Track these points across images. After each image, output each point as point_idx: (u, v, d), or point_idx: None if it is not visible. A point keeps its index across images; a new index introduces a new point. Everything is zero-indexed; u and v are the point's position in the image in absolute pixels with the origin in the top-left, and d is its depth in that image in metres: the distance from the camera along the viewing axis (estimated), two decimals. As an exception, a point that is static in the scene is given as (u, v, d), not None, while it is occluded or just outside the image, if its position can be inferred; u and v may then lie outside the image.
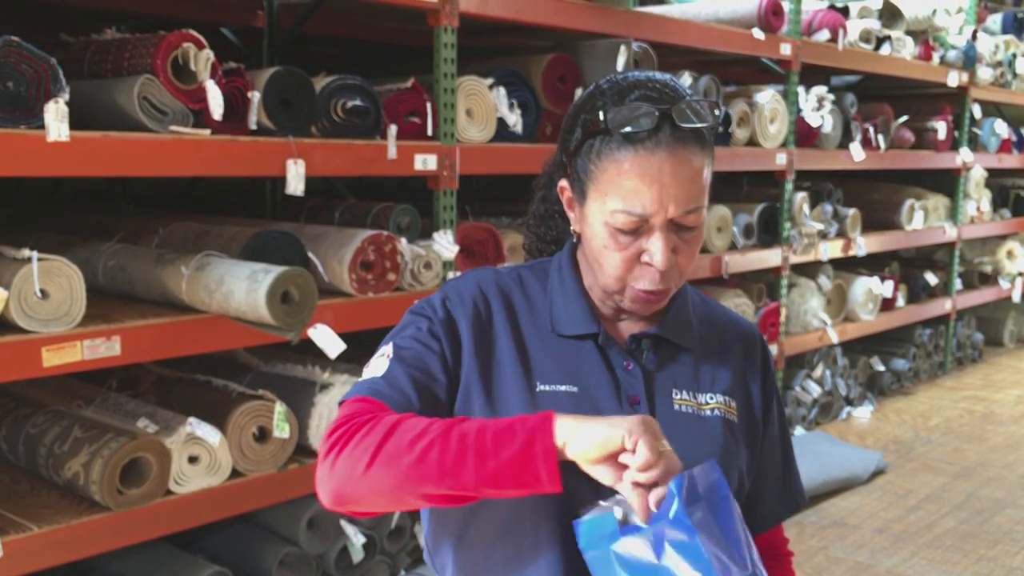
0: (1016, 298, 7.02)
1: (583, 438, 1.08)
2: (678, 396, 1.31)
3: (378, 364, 1.27)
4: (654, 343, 1.33)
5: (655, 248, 1.22)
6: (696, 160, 1.21)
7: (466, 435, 1.11)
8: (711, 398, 1.32)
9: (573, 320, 1.31)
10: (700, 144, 1.22)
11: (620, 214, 1.21)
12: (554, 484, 1.09)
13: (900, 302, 5.80)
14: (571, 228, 1.34)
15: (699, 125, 1.20)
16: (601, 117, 1.21)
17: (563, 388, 1.27)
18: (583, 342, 1.31)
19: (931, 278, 6.14)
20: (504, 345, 1.30)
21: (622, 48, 3.53)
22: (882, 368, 5.72)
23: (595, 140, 1.23)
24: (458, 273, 3.13)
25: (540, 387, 1.27)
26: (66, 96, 2.24)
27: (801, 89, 4.72)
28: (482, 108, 3.26)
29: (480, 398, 1.26)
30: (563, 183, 1.32)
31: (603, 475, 1.09)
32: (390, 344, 1.29)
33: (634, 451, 1.07)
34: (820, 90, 4.83)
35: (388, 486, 1.13)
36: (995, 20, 6.80)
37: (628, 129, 1.18)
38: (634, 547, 1.09)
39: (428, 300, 1.33)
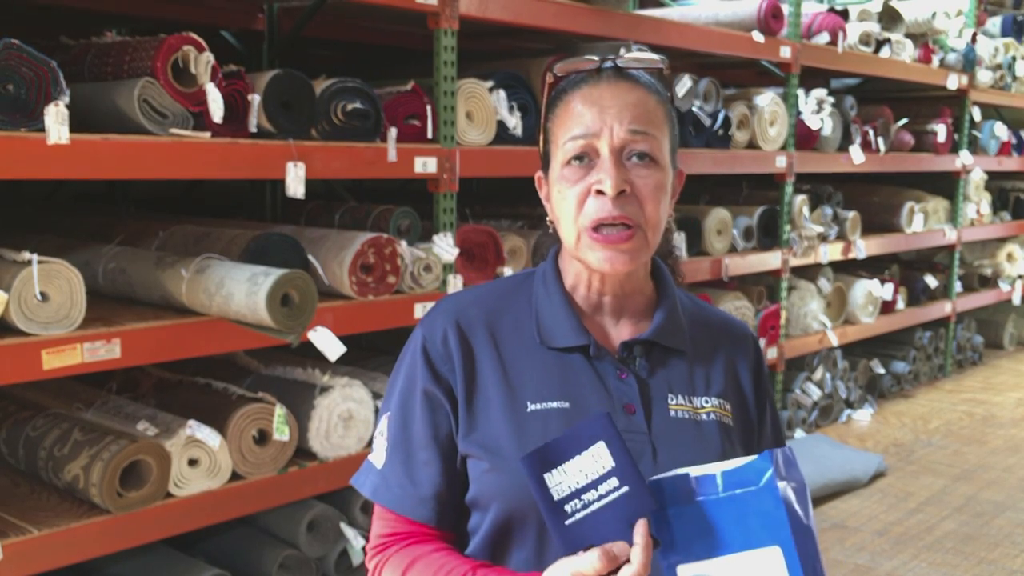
0: (1016, 301, 7.02)
1: None
2: (673, 402, 1.30)
3: (379, 448, 1.33)
4: (646, 349, 1.31)
5: (603, 172, 1.23)
6: (641, 92, 1.27)
7: None
8: (706, 401, 1.31)
9: (561, 332, 1.30)
10: (647, 87, 1.28)
11: (568, 143, 1.25)
12: None
13: (900, 305, 5.80)
14: (547, 219, 1.35)
15: (639, 66, 1.28)
16: (554, 71, 1.31)
17: (555, 405, 1.26)
18: (573, 354, 1.29)
19: (931, 281, 6.14)
20: (487, 371, 1.29)
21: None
22: (882, 371, 5.72)
23: (551, 102, 1.31)
24: (458, 276, 3.16)
25: (531, 407, 1.26)
26: (66, 99, 2.24)
27: (801, 92, 4.73)
28: (482, 111, 3.27)
29: (482, 426, 1.27)
30: (538, 174, 1.37)
31: None
32: (385, 419, 1.33)
33: None
34: (820, 93, 4.83)
35: None
36: (995, 23, 6.80)
37: (572, 68, 1.28)
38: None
39: (411, 351, 1.33)
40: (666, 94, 1.31)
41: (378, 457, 1.32)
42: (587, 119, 1.24)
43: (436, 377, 1.29)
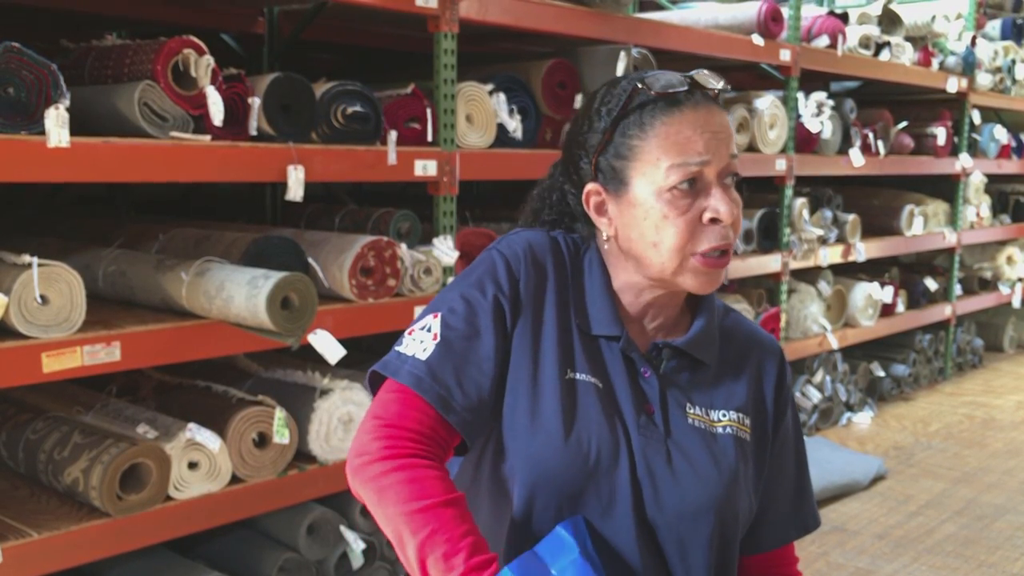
0: (1016, 304, 7.02)
1: None
2: (692, 411, 1.30)
3: (424, 340, 1.25)
4: (674, 354, 1.32)
5: (717, 200, 1.25)
6: (723, 113, 1.29)
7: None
8: (724, 415, 1.31)
9: (597, 319, 1.31)
10: (721, 107, 1.30)
11: (677, 169, 1.24)
12: None
13: (900, 308, 5.80)
14: (607, 235, 1.32)
15: (719, 87, 1.28)
16: (640, 86, 1.26)
17: (593, 380, 1.27)
18: (609, 342, 1.30)
19: (931, 284, 6.14)
20: (549, 322, 1.29)
21: (622, 54, 3.54)
22: (882, 374, 5.72)
23: (629, 118, 1.26)
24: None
25: (570, 375, 1.27)
26: (67, 102, 2.24)
27: (800, 95, 4.73)
28: (482, 114, 3.27)
29: (526, 379, 1.26)
30: (591, 187, 1.31)
31: None
32: (439, 318, 1.26)
33: None
34: (819, 96, 4.83)
35: (387, 534, 1.18)
36: (994, 26, 6.81)
37: (672, 88, 1.25)
38: None
39: (489, 267, 1.30)
40: None
41: (421, 349, 1.23)
42: (699, 146, 1.24)
43: (514, 295, 1.28)
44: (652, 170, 1.24)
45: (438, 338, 1.24)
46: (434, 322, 1.26)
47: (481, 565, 1.12)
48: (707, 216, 1.25)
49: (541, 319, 1.29)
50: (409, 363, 1.23)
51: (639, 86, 1.26)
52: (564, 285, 1.32)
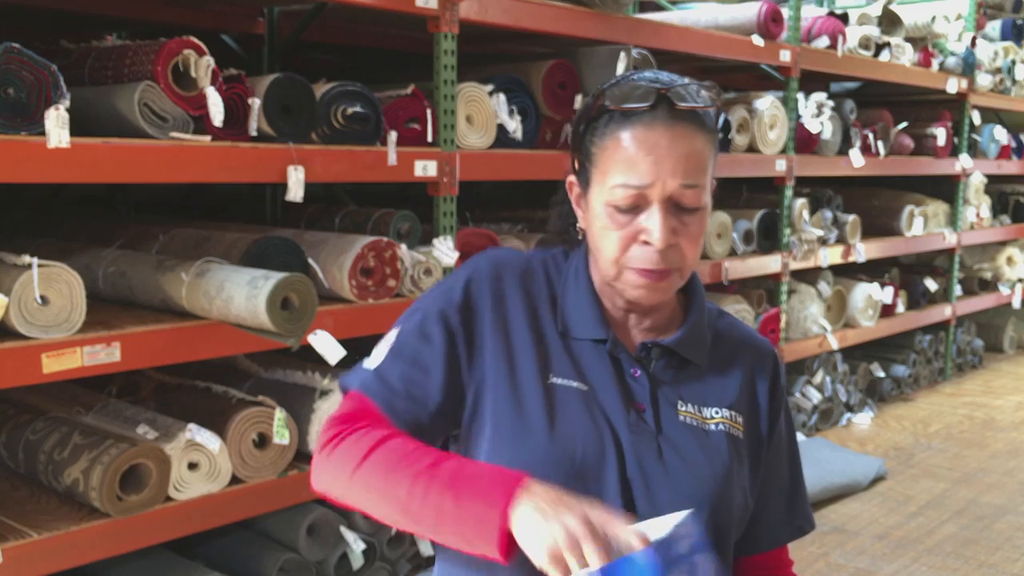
0: (1016, 304, 7.02)
1: (529, 540, 1.05)
2: (683, 408, 1.30)
3: (380, 351, 1.31)
4: (663, 353, 1.32)
5: (652, 224, 1.21)
6: (695, 139, 1.22)
7: (429, 488, 1.13)
8: (716, 412, 1.31)
9: (583, 323, 1.31)
10: (699, 127, 1.23)
11: (619, 188, 1.22)
12: (505, 560, 1.08)
13: (900, 308, 5.79)
14: (578, 226, 1.35)
15: (696, 106, 1.22)
16: (602, 99, 1.25)
17: (575, 384, 1.28)
18: (596, 344, 1.31)
19: (931, 284, 6.14)
20: (520, 331, 1.30)
21: (622, 55, 3.54)
22: (882, 374, 5.72)
23: (597, 123, 1.25)
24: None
25: (553, 379, 1.27)
26: (67, 103, 2.24)
27: (800, 95, 4.73)
28: (482, 114, 3.27)
29: (505, 386, 1.27)
30: (571, 179, 1.34)
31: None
32: (397, 330, 1.32)
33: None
34: (819, 96, 4.83)
35: (361, 504, 1.20)
36: (994, 27, 6.81)
37: (627, 104, 1.21)
38: None
39: (450, 283, 1.33)
40: (714, 126, 1.27)
41: (378, 356, 1.30)
42: (641, 169, 1.20)
43: (468, 309, 1.30)
44: (601, 182, 1.25)
45: (391, 346, 1.30)
46: (394, 333, 1.32)
47: (442, 457, 1.16)
48: (641, 237, 1.23)
49: (508, 331, 1.30)
50: (363, 372, 1.30)
51: (601, 100, 1.25)
52: (534, 296, 1.33)
